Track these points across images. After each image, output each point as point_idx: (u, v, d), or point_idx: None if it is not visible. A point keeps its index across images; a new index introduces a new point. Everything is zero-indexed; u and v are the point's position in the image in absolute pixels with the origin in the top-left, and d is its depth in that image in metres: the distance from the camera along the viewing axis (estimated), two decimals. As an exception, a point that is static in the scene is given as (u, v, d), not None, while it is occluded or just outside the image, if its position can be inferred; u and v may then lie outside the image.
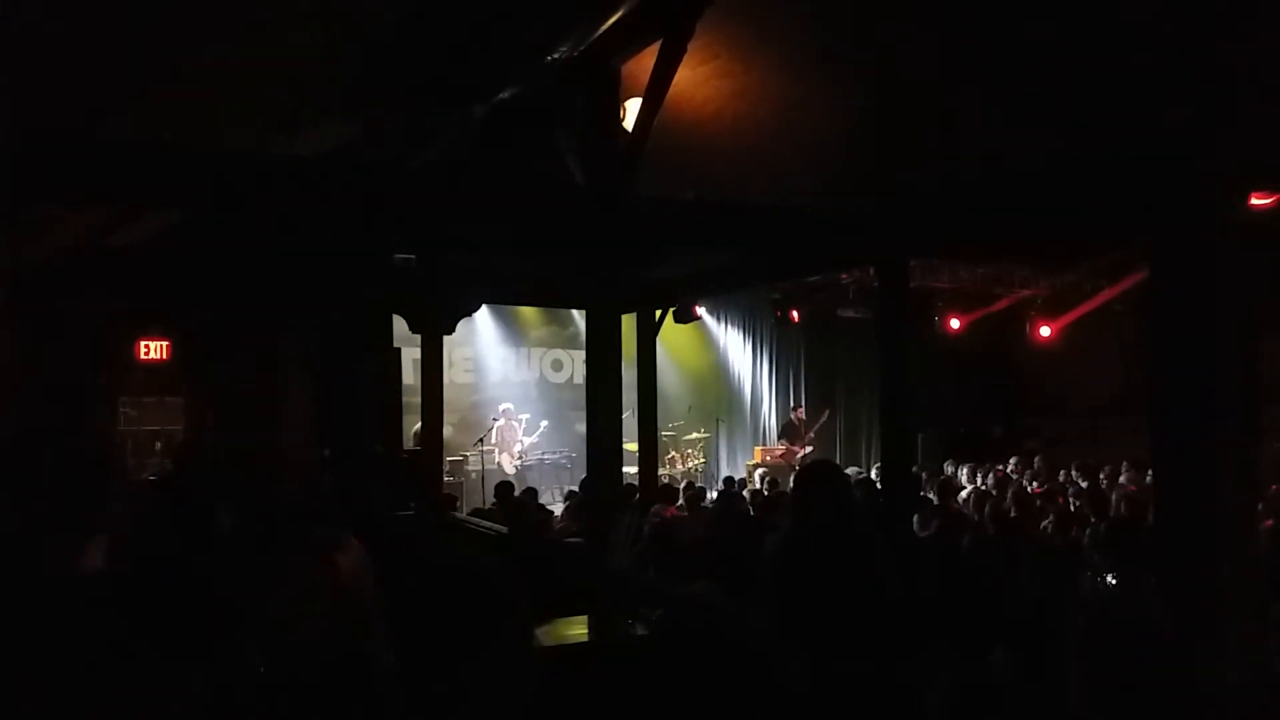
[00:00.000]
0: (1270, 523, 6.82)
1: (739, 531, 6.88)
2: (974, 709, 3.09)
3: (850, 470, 12.21)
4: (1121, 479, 10.42)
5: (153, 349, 10.80)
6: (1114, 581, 5.32)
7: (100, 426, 10.24)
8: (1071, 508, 8.51)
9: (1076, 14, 4.80)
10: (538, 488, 11.53)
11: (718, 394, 15.71)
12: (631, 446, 11.13)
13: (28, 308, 8.74)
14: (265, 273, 8.39)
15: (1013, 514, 7.80)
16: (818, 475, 3.85)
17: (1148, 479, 9.20)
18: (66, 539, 2.46)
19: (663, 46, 4.50)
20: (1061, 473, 11.53)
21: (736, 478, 12.59)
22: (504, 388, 14.42)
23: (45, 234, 8.29)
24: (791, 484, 10.93)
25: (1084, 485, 10.15)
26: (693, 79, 5.44)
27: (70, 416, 9.32)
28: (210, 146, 6.16)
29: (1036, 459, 12.25)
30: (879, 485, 9.15)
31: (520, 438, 13.71)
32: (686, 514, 8.71)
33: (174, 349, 10.86)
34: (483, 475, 12.85)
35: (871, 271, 11.09)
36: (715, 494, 10.60)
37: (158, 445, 10.48)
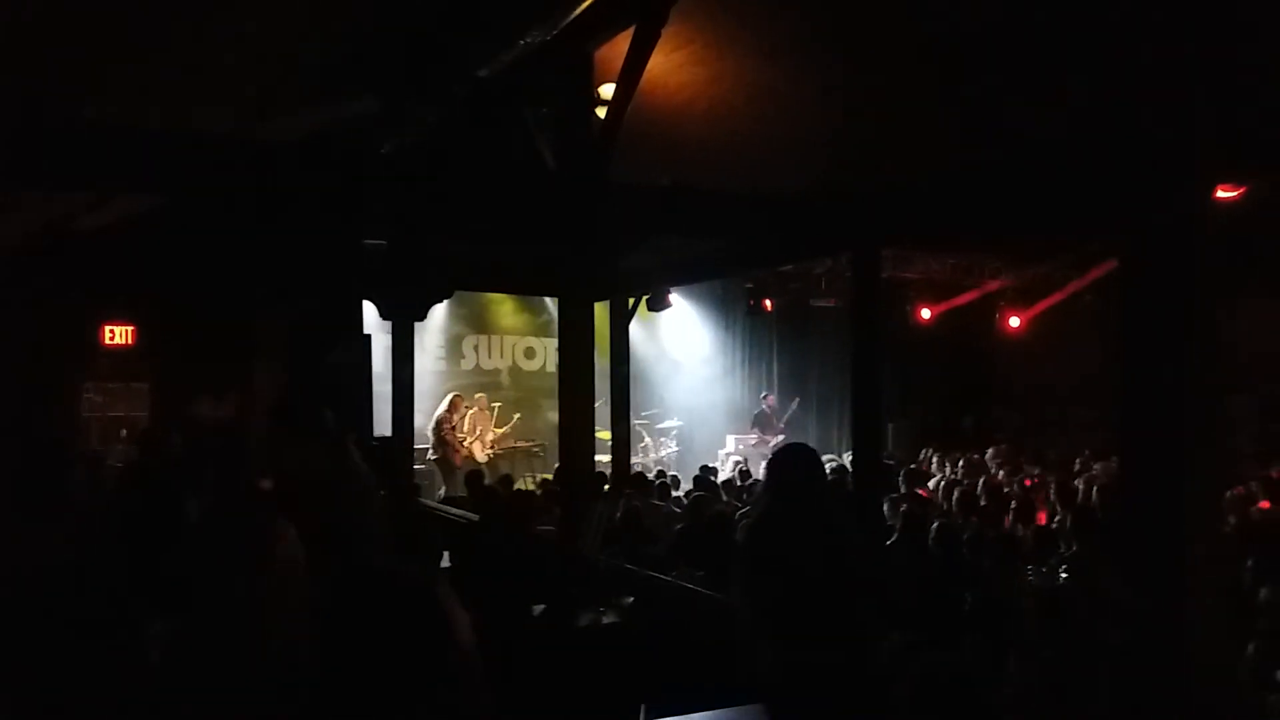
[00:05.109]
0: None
1: (713, 520, 6.90)
2: (941, 695, 3.11)
3: (825, 458, 12.22)
4: (1095, 468, 10.51)
5: (118, 334, 10.64)
6: (1070, 571, 5.38)
7: (63, 412, 10.07)
8: (1050, 496, 8.56)
9: (1050, 7, 4.82)
10: (511, 475, 11.50)
11: (690, 382, 15.70)
12: (604, 435, 11.09)
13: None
14: (234, 257, 8.28)
15: (983, 502, 7.86)
16: (790, 457, 3.83)
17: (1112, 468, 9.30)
18: (26, 525, 2.41)
19: (637, 31, 4.47)
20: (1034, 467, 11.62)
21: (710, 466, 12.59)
22: (475, 375, 14.34)
23: (9, 217, 8.13)
24: (764, 468, 10.95)
25: (1039, 473, 10.25)
26: (667, 65, 5.41)
27: (32, 403, 9.16)
28: (183, 131, 6.07)
29: (1003, 447, 12.35)
30: (850, 473, 9.19)
31: (492, 427, 13.64)
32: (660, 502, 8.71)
33: (139, 334, 10.70)
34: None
35: (844, 261, 11.14)
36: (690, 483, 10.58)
37: (123, 432, 10.33)
